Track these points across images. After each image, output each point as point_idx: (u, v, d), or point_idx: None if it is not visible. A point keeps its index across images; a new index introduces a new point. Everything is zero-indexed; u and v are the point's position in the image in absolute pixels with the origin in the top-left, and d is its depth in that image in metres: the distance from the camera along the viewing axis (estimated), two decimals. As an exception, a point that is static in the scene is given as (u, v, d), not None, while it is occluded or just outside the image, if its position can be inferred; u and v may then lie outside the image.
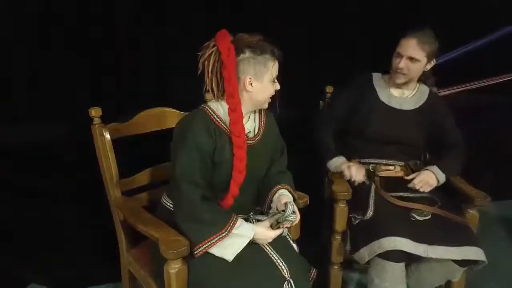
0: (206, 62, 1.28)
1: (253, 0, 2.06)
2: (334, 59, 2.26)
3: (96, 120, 1.48)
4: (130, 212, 1.44)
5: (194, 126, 1.29)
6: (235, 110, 1.27)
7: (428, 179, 1.71)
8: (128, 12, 1.85)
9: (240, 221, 1.26)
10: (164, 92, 2.00)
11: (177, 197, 1.28)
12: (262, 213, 1.43)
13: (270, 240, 1.31)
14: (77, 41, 1.81)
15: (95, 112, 1.47)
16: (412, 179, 1.73)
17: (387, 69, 1.84)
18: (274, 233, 1.30)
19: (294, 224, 1.32)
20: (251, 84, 1.30)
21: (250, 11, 2.05)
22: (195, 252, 1.20)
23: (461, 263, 1.53)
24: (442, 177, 1.73)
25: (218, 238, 1.20)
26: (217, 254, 1.22)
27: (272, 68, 1.31)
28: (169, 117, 1.64)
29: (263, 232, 1.29)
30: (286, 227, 1.33)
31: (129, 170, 1.58)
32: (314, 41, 2.24)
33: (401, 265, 1.52)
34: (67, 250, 1.94)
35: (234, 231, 1.22)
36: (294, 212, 1.30)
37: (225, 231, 1.21)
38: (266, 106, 1.39)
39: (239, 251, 1.23)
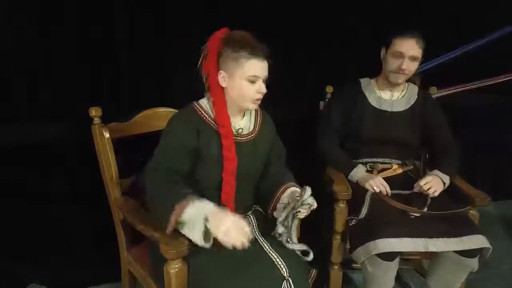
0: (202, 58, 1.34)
1: (253, 0, 2.06)
2: (334, 59, 2.26)
3: (96, 120, 1.48)
4: (130, 212, 1.44)
5: (176, 120, 1.35)
6: (216, 104, 1.32)
7: (435, 183, 1.68)
8: (128, 12, 1.85)
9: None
10: (164, 92, 2.00)
11: (147, 181, 1.29)
12: (265, 212, 1.43)
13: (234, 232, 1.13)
14: (77, 41, 1.81)
15: (95, 112, 1.47)
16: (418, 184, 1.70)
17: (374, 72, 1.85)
18: (237, 222, 1.14)
19: (312, 209, 1.31)
20: (224, 79, 1.31)
21: (250, 11, 2.05)
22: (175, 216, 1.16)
23: (468, 253, 1.51)
24: (447, 180, 1.71)
25: (187, 202, 1.17)
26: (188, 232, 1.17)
27: (246, 65, 1.26)
28: (169, 117, 1.63)
29: (218, 213, 1.15)
30: (301, 215, 1.31)
31: (129, 170, 1.58)
32: (314, 41, 2.23)
33: (396, 259, 1.54)
34: (67, 250, 1.94)
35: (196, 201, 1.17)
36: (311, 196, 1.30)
37: (189, 200, 1.17)
38: (249, 107, 1.34)
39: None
